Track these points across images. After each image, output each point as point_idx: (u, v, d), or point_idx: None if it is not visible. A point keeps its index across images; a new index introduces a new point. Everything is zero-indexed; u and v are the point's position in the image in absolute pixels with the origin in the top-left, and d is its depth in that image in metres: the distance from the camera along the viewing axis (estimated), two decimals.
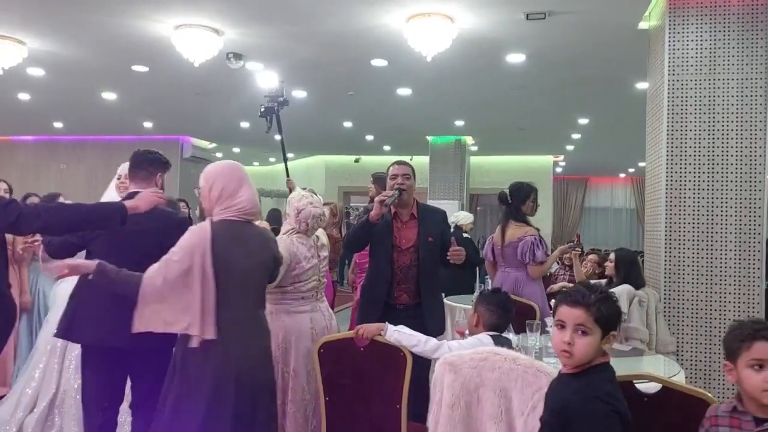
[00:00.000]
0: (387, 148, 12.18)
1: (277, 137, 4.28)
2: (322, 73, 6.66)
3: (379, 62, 6.11)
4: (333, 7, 4.73)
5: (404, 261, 3.06)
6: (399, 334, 2.23)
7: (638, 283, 3.97)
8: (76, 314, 2.47)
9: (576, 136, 10.29)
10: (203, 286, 2.12)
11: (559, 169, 14.15)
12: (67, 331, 2.49)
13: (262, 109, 4.04)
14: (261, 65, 6.25)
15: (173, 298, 2.12)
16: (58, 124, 10.33)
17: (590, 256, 5.94)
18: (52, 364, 3.33)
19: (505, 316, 2.43)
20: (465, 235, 6.25)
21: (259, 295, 2.33)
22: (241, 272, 2.22)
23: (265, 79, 4.75)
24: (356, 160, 13.12)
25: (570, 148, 11.58)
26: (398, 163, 3.19)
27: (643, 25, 4.92)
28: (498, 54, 5.80)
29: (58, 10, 4.92)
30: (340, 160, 13.35)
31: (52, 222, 2.24)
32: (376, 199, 3.00)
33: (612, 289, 3.92)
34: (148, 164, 2.64)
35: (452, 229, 6.91)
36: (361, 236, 3.07)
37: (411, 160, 12.58)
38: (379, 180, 4.15)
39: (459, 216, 6.81)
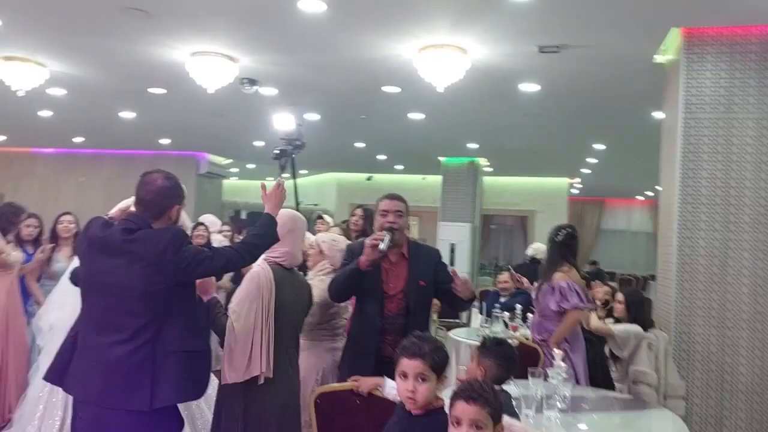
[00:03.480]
0: (399, 167, 12.17)
1: (287, 177, 4.13)
2: (335, 98, 6.70)
3: (391, 89, 6.12)
4: (346, 37, 4.75)
5: (391, 308, 2.71)
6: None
7: (646, 324, 3.90)
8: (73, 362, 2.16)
9: (592, 160, 10.21)
10: (265, 327, 2.29)
11: (575, 191, 14.01)
12: (60, 378, 2.20)
13: (277, 152, 3.87)
14: (275, 90, 6.30)
15: (242, 343, 2.28)
16: (78, 139, 10.51)
17: (603, 288, 5.88)
18: (53, 398, 3.28)
19: (512, 369, 2.43)
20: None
21: (298, 334, 2.57)
22: (290, 313, 2.44)
23: (282, 120, 4.62)
24: (368, 178, 13.12)
25: (586, 171, 11.48)
26: (390, 197, 2.81)
27: (658, 58, 4.87)
28: (512, 84, 5.78)
29: (78, 36, 5.00)
30: (352, 178, 13.36)
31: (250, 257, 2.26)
32: (366, 242, 2.64)
33: (619, 327, 3.88)
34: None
35: (528, 261, 6.16)
36: (349, 287, 2.70)
37: (424, 179, 12.53)
38: (369, 214, 3.94)
39: (538, 249, 6.07)
